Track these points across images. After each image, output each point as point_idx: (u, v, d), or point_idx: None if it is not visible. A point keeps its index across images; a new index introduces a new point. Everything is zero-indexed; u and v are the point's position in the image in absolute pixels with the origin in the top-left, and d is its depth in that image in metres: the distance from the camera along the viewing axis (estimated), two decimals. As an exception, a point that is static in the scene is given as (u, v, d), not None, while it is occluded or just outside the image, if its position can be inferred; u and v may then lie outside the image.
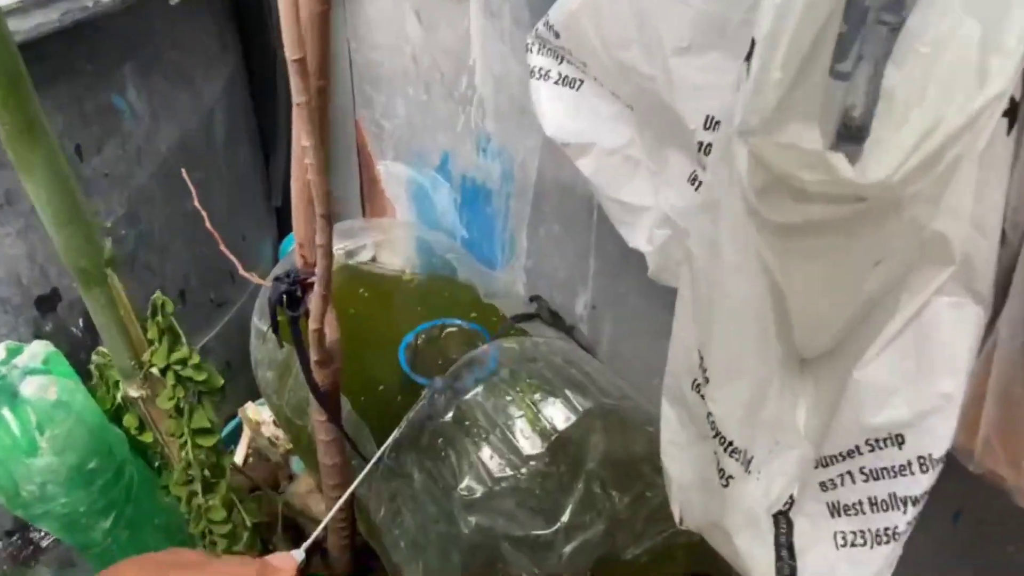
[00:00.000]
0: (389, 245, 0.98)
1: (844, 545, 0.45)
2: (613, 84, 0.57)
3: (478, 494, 0.64)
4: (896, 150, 0.33)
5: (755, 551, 0.45)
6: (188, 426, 0.63)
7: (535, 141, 0.83)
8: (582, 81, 0.59)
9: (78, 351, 0.77)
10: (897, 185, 0.33)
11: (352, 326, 0.69)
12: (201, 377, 0.63)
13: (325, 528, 0.65)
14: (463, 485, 0.65)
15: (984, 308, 0.38)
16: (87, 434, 0.66)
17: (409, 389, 0.75)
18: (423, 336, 0.79)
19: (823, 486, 0.46)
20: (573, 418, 0.67)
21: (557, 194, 0.83)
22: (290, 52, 0.43)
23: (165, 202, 0.85)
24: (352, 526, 0.80)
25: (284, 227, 1.18)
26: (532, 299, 0.90)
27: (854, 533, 0.45)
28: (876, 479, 0.44)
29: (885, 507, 0.44)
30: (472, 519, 0.63)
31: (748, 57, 0.37)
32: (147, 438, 0.70)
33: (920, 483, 0.42)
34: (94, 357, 0.71)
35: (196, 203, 0.65)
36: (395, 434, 0.69)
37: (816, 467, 0.46)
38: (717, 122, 0.50)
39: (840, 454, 0.45)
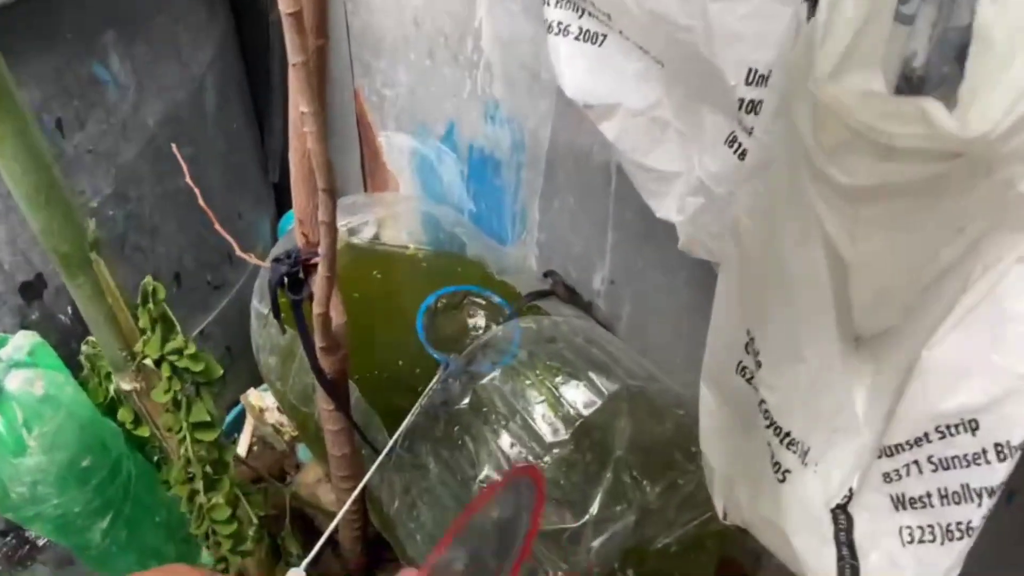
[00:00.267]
0: (393, 221, 0.94)
1: (911, 542, 0.42)
2: (641, 37, 0.51)
3: (499, 485, 0.60)
4: (998, 100, 0.28)
5: (816, 552, 0.41)
6: (186, 420, 0.59)
7: (547, 106, 0.78)
8: (605, 36, 0.53)
9: (68, 340, 0.73)
10: (998, 140, 0.29)
11: (358, 308, 0.65)
12: (198, 367, 0.58)
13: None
14: (482, 476, 0.61)
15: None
16: (78, 430, 0.62)
17: (422, 374, 0.71)
18: (443, 301, 0.74)
19: (886, 477, 0.42)
20: (598, 402, 0.62)
21: (571, 163, 0.79)
22: (285, 5, 0.38)
23: (155, 180, 0.80)
24: (364, 518, 0.76)
25: (283, 204, 1.13)
26: (546, 274, 0.86)
27: (922, 528, 0.41)
28: (946, 469, 0.40)
29: (957, 499, 0.40)
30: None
31: (808, -3, 0.32)
32: (143, 433, 0.65)
33: (997, 473, 0.38)
34: (84, 348, 0.67)
35: (188, 179, 0.61)
36: (407, 422, 0.65)
37: (879, 457, 0.42)
38: (761, 76, 0.46)
39: (906, 442, 0.41)
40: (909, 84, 0.35)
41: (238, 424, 1.03)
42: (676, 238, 0.58)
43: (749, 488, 0.45)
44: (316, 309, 0.54)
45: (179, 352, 0.57)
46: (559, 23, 0.54)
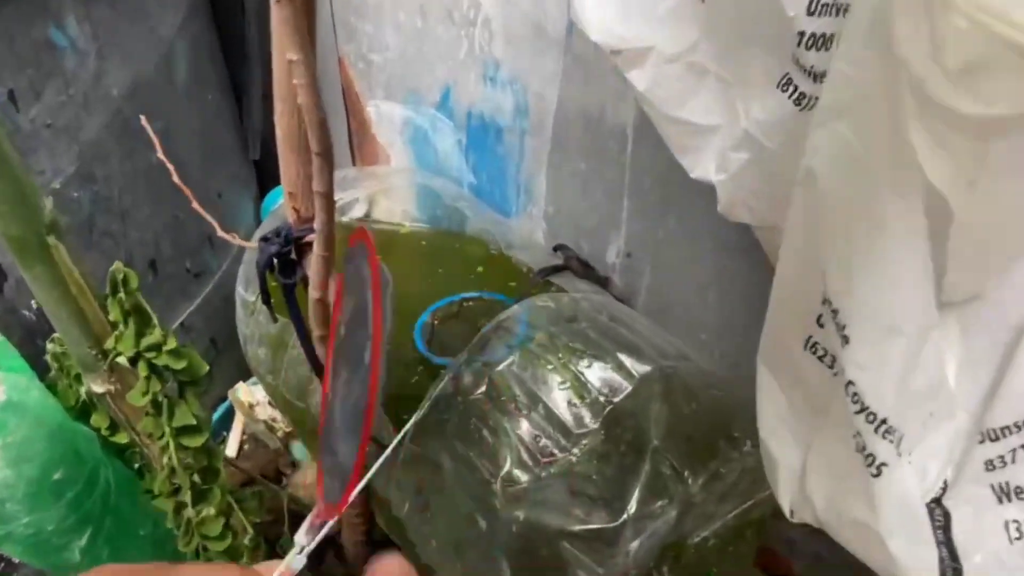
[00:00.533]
0: (386, 196, 0.87)
1: (1019, 538, 0.36)
2: (678, -34, 0.45)
3: (523, 483, 0.54)
4: None
5: (917, 555, 0.35)
6: (169, 425, 0.52)
7: (554, 64, 0.71)
8: (635, -33, 0.47)
9: (33, 338, 0.66)
10: None
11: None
12: (180, 365, 0.51)
13: (338, 523, 0.55)
14: (504, 473, 0.55)
15: None
16: (48, 438, 0.55)
17: (428, 361, 0.64)
18: (440, 314, 0.68)
19: (988, 465, 0.36)
20: (629, 386, 0.56)
21: (582, 126, 0.72)
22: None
23: (124, 156, 0.72)
24: (369, 520, 0.70)
25: (265, 184, 1.06)
26: (556, 248, 0.79)
27: (1032, 522, 0.35)
28: (1060, 454, 0.34)
29: (1075, 487, 0.34)
30: (519, 514, 0.53)
31: None
32: (121, 439, 0.59)
33: (1120, 457, 0.32)
34: (50, 346, 0.60)
35: (160, 154, 0.54)
36: (417, 415, 0.59)
37: (980, 442, 0.36)
38: (826, 4, 0.39)
39: (1014, 424, 0.35)
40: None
41: (226, 422, 0.96)
42: (700, 204, 0.52)
43: (828, 484, 0.39)
44: (312, 293, 0.47)
45: (157, 348, 0.50)
46: (580, -44, 0.48)
